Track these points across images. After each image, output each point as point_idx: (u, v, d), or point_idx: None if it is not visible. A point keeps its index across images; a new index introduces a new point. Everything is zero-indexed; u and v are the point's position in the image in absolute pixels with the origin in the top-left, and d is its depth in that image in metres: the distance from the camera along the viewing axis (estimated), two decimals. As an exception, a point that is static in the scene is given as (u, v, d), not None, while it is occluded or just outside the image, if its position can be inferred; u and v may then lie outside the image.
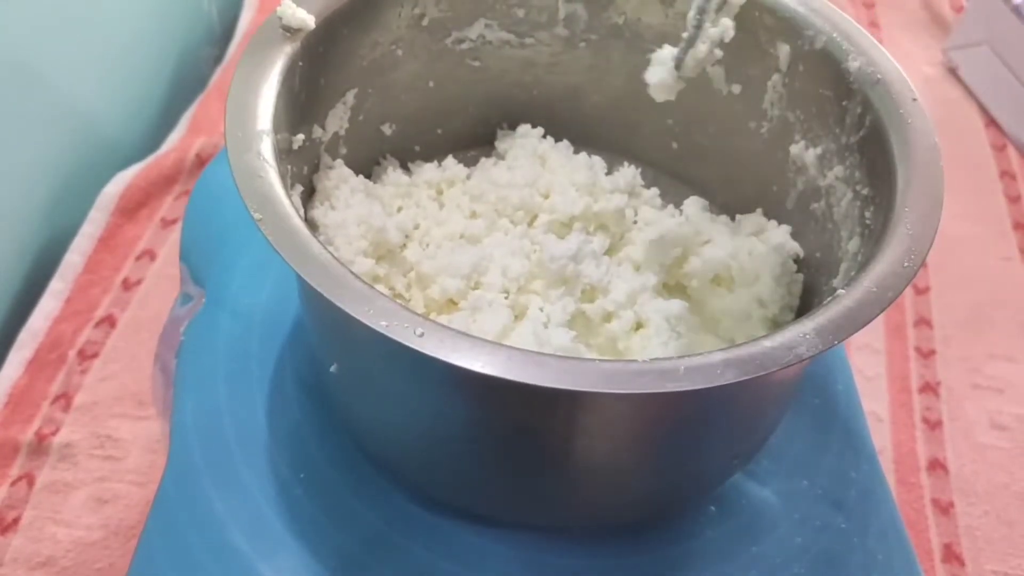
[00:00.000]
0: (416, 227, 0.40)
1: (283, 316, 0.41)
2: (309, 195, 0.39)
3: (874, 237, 0.31)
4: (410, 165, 0.44)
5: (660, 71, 0.35)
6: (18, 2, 0.56)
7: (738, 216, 0.41)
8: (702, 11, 0.34)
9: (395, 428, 0.34)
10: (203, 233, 0.47)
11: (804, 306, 0.38)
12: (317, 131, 0.38)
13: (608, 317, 0.37)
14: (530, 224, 0.41)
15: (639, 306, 0.36)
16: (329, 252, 0.28)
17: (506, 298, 0.37)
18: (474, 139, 0.46)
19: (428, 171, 0.43)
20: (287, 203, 0.29)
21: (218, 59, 0.80)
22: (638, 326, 0.36)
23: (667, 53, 0.35)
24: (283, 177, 0.30)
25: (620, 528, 0.35)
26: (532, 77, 0.44)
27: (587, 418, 0.30)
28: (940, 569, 0.50)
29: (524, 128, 0.45)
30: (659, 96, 0.36)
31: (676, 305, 0.36)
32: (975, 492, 0.54)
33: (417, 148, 0.44)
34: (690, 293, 0.39)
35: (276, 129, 0.32)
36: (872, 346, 0.61)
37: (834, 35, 0.36)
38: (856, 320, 0.27)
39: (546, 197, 0.41)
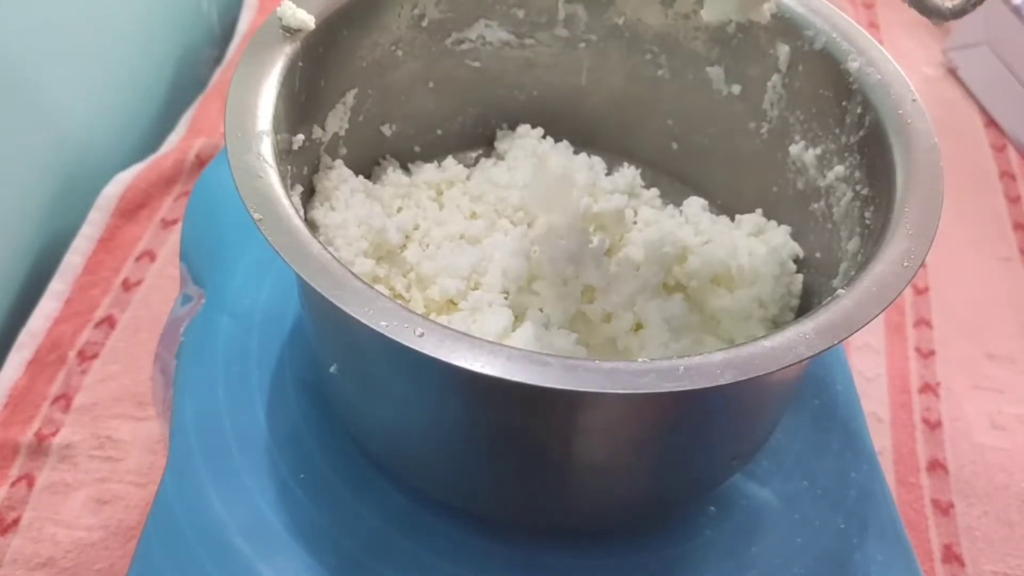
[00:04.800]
0: (416, 228, 0.40)
1: (283, 316, 0.41)
2: (309, 195, 0.39)
3: (874, 237, 0.31)
4: (410, 166, 0.44)
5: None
6: (16, 1, 0.56)
7: (738, 216, 0.41)
8: None
9: (395, 429, 0.34)
10: (203, 233, 0.47)
11: (804, 306, 0.38)
12: (317, 131, 0.38)
13: (608, 317, 0.37)
14: (530, 225, 0.41)
15: (639, 306, 0.36)
16: (329, 253, 0.28)
17: (506, 299, 0.37)
18: (474, 139, 0.46)
19: (428, 172, 0.43)
20: (287, 203, 0.29)
21: (218, 60, 0.80)
22: (638, 326, 0.36)
23: None
24: (283, 177, 0.30)
25: (620, 528, 0.35)
26: (532, 78, 0.44)
27: (587, 418, 0.30)
28: (940, 569, 0.50)
29: (524, 128, 0.45)
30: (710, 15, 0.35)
31: (676, 305, 0.36)
32: (975, 492, 0.53)
33: (417, 149, 0.44)
34: (690, 293, 0.39)
35: (276, 129, 0.32)
36: (872, 346, 0.61)
37: (834, 35, 0.36)
38: (856, 320, 0.27)
39: (546, 197, 0.41)
